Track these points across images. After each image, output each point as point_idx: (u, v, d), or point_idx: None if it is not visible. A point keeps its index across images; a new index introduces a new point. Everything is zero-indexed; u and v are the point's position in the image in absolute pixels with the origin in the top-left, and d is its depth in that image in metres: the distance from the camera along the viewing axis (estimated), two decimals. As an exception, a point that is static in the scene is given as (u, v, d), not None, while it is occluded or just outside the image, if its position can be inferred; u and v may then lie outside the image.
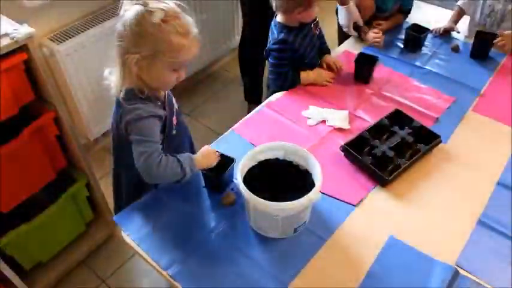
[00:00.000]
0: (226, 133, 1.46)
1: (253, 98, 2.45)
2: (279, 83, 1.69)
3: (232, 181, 1.28)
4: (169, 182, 1.16)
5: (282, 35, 1.62)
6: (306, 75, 1.68)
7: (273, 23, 1.68)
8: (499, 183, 1.34)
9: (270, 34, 1.69)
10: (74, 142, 1.58)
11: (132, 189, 1.30)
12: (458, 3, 2.03)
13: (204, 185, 1.28)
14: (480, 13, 1.96)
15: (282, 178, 1.21)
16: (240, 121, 1.51)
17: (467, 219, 1.24)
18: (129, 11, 1.04)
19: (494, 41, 1.80)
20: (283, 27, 1.63)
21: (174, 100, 1.27)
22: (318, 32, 1.74)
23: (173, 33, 1.03)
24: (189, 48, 1.06)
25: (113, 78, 1.13)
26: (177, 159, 1.12)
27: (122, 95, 1.11)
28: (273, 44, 1.65)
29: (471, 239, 1.19)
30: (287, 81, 1.67)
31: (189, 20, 1.07)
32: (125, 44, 1.05)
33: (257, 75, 2.40)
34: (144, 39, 1.03)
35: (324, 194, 1.26)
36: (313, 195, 1.08)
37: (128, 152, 1.13)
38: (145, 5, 1.03)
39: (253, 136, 1.44)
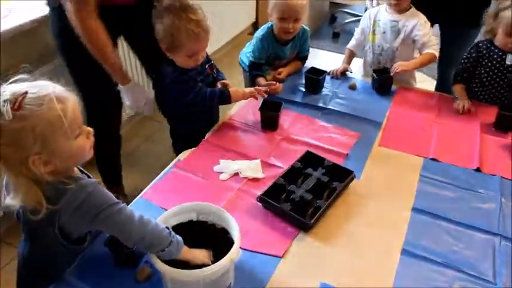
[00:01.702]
0: (134, 201, 1.35)
1: (112, 178, 2.11)
2: (206, 102, 1.65)
3: (146, 253, 1.16)
4: (157, 247, 1.01)
5: (171, 70, 1.63)
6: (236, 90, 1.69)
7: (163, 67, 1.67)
8: (413, 209, 1.37)
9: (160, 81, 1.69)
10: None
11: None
12: (348, 46, 2.18)
13: (115, 261, 1.15)
14: (372, 53, 2.11)
15: (199, 241, 1.11)
16: (148, 186, 1.41)
17: (392, 250, 1.24)
18: None
19: (392, 70, 1.90)
20: (170, 62, 1.63)
21: None
22: (214, 75, 1.76)
23: (39, 110, 0.89)
24: (65, 110, 0.92)
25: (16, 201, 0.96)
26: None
27: (47, 203, 0.93)
28: (170, 82, 1.63)
29: (399, 270, 1.18)
30: (213, 94, 1.65)
31: (44, 87, 0.93)
32: (11, 157, 0.90)
33: (113, 154, 2.09)
34: (19, 140, 0.88)
35: (247, 250, 1.19)
36: (233, 254, 1.01)
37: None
38: None
39: (164, 200, 1.34)
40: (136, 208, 1.30)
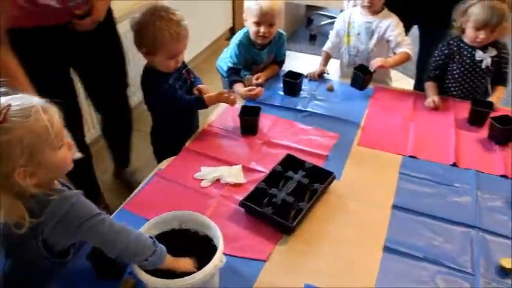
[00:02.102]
0: (116, 212, 1.34)
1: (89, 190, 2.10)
2: (186, 108, 1.69)
3: (129, 264, 1.15)
4: (141, 256, 1.01)
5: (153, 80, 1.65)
6: (208, 97, 1.69)
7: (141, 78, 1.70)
8: (394, 207, 1.39)
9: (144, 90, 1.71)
10: None
11: None
12: (324, 48, 2.21)
13: (98, 274, 1.14)
14: (348, 55, 2.14)
15: (182, 249, 1.11)
16: (130, 196, 1.41)
17: (375, 248, 1.26)
18: None
19: (372, 65, 1.93)
20: (150, 71, 1.65)
21: None
22: (192, 80, 1.78)
23: (26, 121, 0.89)
24: (52, 121, 0.94)
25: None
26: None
27: (30, 216, 0.92)
28: (154, 91, 1.64)
29: (382, 267, 1.20)
30: (190, 101, 1.67)
31: (27, 98, 0.94)
32: None
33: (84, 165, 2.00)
34: (6, 152, 0.88)
35: (231, 255, 1.19)
36: (216, 261, 1.01)
37: None
38: None
39: (146, 210, 1.33)
40: (118, 219, 1.29)
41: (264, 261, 1.21)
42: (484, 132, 1.73)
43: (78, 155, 1.33)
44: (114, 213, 1.34)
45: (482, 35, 1.79)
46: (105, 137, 2.25)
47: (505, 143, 1.65)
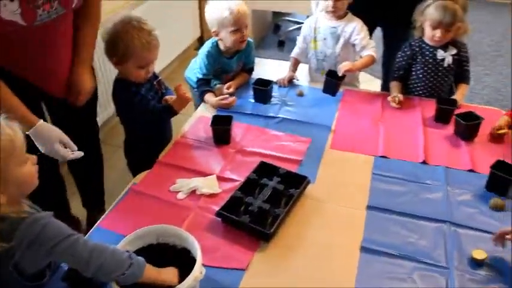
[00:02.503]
0: (91, 230, 1.32)
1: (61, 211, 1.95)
2: (156, 117, 1.72)
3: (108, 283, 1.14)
4: (117, 271, 0.99)
5: (124, 91, 1.66)
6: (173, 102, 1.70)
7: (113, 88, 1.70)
8: (368, 207, 1.42)
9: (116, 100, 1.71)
10: None
11: None
12: (292, 55, 2.23)
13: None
14: (316, 60, 2.17)
15: (161, 264, 1.10)
16: (105, 214, 1.39)
17: (352, 249, 1.28)
18: None
19: (340, 70, 1.95)
20: (121, 82, 1.66)
21: None
22: (163, 91, 1.79)
23: None
24: (16, 136, 0.95)
25: None
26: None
27: (1, 242, 0.91)
28: (126, 102, 1.65)
29: (360, 268, 1.22)
30: (162, 110, 1.69)
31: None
32: None
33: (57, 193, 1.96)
34: None
35: (210, 266, 1.19)
36: (196, 273, 1.01)
37: None
38: None
39: (122, 227, 1.31)
40: (94, 237, 1.29)
41: (244, 270, 1.21)
42: (450, 128, 1.78)
43: (79, 153, 1.32)
44: (90, 232, 1.32)
45: (438, 33, 1.86)
46: (72, 173, 2.06)
47: (470, 139, 1.71)
